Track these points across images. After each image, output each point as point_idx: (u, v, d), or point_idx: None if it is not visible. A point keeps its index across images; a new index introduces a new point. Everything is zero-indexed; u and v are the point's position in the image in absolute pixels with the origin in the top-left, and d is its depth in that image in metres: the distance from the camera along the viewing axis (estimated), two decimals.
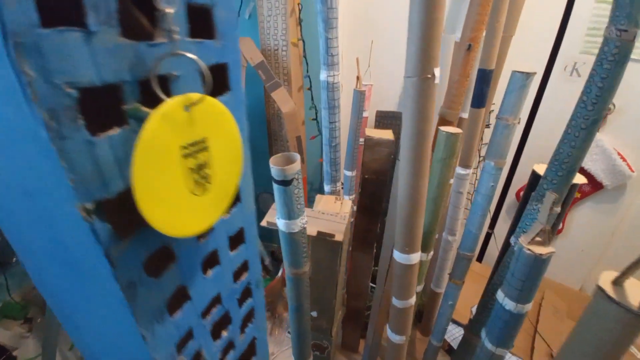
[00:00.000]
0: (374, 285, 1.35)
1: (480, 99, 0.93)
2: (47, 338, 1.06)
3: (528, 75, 0.76)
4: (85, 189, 0.15)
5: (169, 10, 0.16)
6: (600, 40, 1.28)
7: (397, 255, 0.63)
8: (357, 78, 1.08)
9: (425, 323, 1.34)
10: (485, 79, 0.91)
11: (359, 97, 1.02)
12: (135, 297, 0.18)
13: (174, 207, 0.18)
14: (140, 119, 0.16)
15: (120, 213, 0.16)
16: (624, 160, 1.16)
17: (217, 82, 0.20)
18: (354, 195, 1.17)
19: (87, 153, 0.15)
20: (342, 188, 1.13)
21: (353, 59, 1.12)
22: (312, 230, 0.67)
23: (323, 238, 0.66)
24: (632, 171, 1.16)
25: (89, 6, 0.14)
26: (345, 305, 1.17)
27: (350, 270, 1.08)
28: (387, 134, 0.88)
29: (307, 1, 1.14)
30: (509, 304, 0.57)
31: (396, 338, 0.72)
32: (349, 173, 1.09)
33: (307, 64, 1.21)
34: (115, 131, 0.16)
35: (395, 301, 0.68)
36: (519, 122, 0.83)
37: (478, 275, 1.41)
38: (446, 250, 1.13)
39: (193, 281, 0.23)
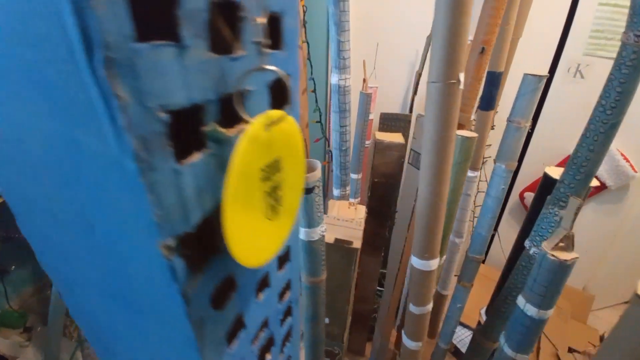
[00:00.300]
0: (379, 288, 1.35)
1: (488, 102, 0.93)
2: (49, 348, 1.03)
3: (540, 79, 0.76)
4: (168, 224, 0.13)
5: (261, 20, 0.15)
6: (603, 42, 1.28)
7: (416, 262, 0.62)
8: (364, 80, 1.07)
9: (432, 325, 1.34)
10: (494, 82, 0.91)
11: (365, 100, 1.01)
12: (203, 334, 0.16)
13: (254, 235, 0.16)
14: (218, 141, 0.15)
15: (196, 247, 0.15)
16: (627, 160, 1.17)
17: (280, 95, 0.19)
18: (359, 198, 1.16)
19: (173, 184, 0.13)
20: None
21: (356, 61, 1.11)
22: (328, 237, 0.66)
23: (340, 245, 0.65)
24: (635, 172, 1.17)
25: (184, 16, 0.12)
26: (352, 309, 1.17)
27: (358, 273, 1.07)
28: (397, 137, 0.87)
29: (312, 3, 1.13)
30: (531, 310, 0.56)
31: (412, 344, 0.71)
32: (354, 176, 1.08)
33: (311, 66, 1.20)
34: (196, 157, 0.14)
35: (412, 307, 0.67)
36: (530, 125, 0.83)
37: (482, 277, 1.41)
38: (453, 252, 1.13)
39: (248, 307, 0.21)
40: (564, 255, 0.52)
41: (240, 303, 0.20)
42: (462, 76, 0.49)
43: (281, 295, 0.27)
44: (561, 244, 0.53)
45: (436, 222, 0.57)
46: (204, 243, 0.15)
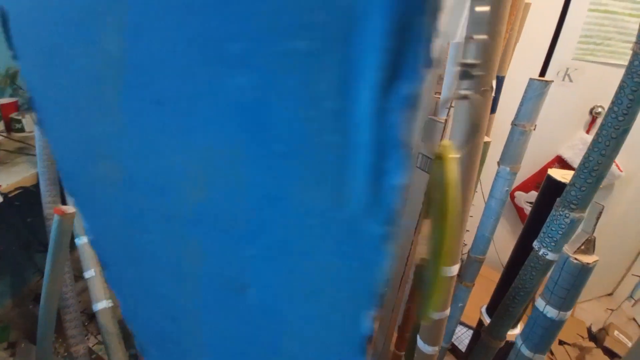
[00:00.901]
0: None
1: (492, 105, 0.95)
2: None
3: (546, 84, 0.78)
4: (382, 291, 0.11)
5: (478, 37, 0.13)
6: (592, 47, 1.32)
7: None
8: None
9: None
10: (497, 86, 0.92)
11: None
12: None
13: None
14: None
15: None
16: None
17: None
18: None
19: (394, 245, 0.11)
20: None
21: None
22: None
23: None
24: (621, 171, 1.23)
25: None
26: None
27: None
28: None
29: None
30: (551, 312, 0.58)
31: (429, 349, 0.71)
32: None
33: None
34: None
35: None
36: (534, 129, 0.85)
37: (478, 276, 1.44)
38: None
39: None
40: (586, 259, 0.53)
41: None
42: (494, 83, 0.49)
43: None
44: (582, 248, 0.55)
45: (460, 228, 0.57)
46: None
